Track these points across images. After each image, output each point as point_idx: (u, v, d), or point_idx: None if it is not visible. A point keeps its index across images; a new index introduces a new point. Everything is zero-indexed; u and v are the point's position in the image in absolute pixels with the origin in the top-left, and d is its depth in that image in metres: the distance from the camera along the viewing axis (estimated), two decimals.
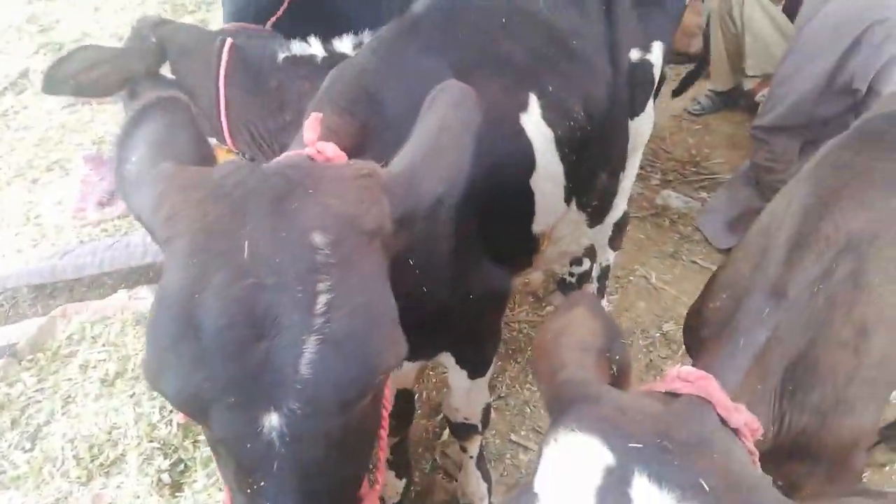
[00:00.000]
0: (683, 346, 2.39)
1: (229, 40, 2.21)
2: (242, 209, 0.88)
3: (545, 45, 1.84)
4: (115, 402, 1.94)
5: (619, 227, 3.07)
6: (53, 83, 1.89)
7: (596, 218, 2.27)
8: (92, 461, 1.82)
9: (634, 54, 2.23)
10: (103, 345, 2.14)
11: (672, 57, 5.64)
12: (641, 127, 2.47)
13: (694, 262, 3.81)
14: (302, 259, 0.85)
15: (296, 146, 1.21)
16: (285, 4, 2.53)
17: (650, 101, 2.46)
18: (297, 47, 2.33)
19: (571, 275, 3.46)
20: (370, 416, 1.03)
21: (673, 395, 1.02)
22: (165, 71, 2.10)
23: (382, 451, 1.19)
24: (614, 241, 3.18)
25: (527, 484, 0.88)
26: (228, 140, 2.06)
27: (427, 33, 1.65)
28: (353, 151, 1.21)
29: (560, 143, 1.84)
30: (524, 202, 1.83)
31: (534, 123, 1.77)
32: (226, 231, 0.87)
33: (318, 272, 0.85)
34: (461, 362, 1.95)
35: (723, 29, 4.77)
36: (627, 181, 2.73)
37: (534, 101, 1.78)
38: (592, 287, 3.42)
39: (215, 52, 2.12)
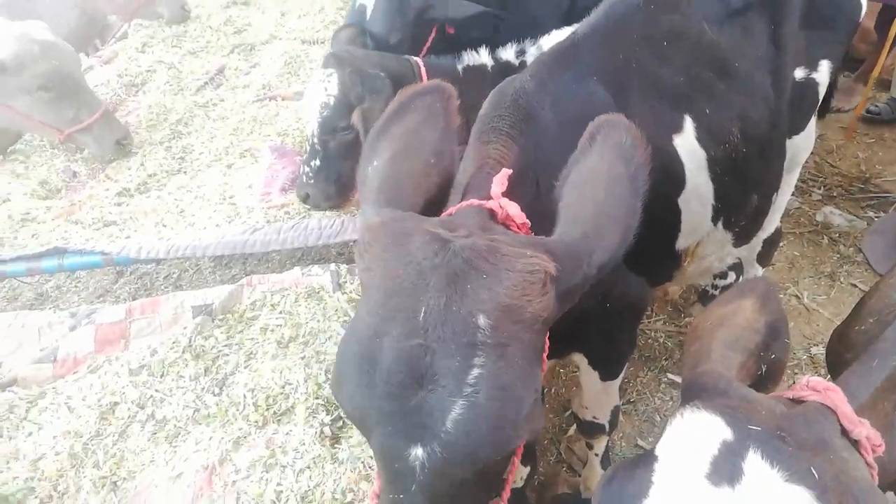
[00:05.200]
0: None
1: (420, 61, 2.58)
2: (426, 279, 1.04)
3: (705, 68, 1.87)
4: (288, 362, 2.19)
5: (770, 243, 2.99)
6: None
7: (743, 238, 2.24)
8: (267, 409, 2.07)
9: (799, 73, 2.19)
10: (280, 312, 2.42)
11: (848, 64, 5.24)
12: (800, 145, 2.41)
13: (853, 286, 3.58)
14: (465, 334, 0.99)
15: (467, 186, 1.34)
16: (429, 41, 2.86)
17: (812, 119, 2.39)
18: (469, 58, 2.60)
19: (714, 287, 3.39)
20: (503, 464, 1.14)
21: (800, 402, 1.07)
22: None
23: (512, 475, 1.27)
24: (763, 258, 3.08)
25: (650, 450, 1.00)
26: None
27: (585, 57, 1.68)
28: (515, 176, 1.33)
29: (713, 164, 1.87)
30: (670, 219, 1.87)
31: (687, 144, 1.82)
32: (409, 293, 1.04)
33: (477, 348, 0.99)
34: (594, 364, 2.04)
35: None
36: (782, 200, 2.65)
37: (689, 123, 1.82)
38: None
39: (413, 73, 2.53)
